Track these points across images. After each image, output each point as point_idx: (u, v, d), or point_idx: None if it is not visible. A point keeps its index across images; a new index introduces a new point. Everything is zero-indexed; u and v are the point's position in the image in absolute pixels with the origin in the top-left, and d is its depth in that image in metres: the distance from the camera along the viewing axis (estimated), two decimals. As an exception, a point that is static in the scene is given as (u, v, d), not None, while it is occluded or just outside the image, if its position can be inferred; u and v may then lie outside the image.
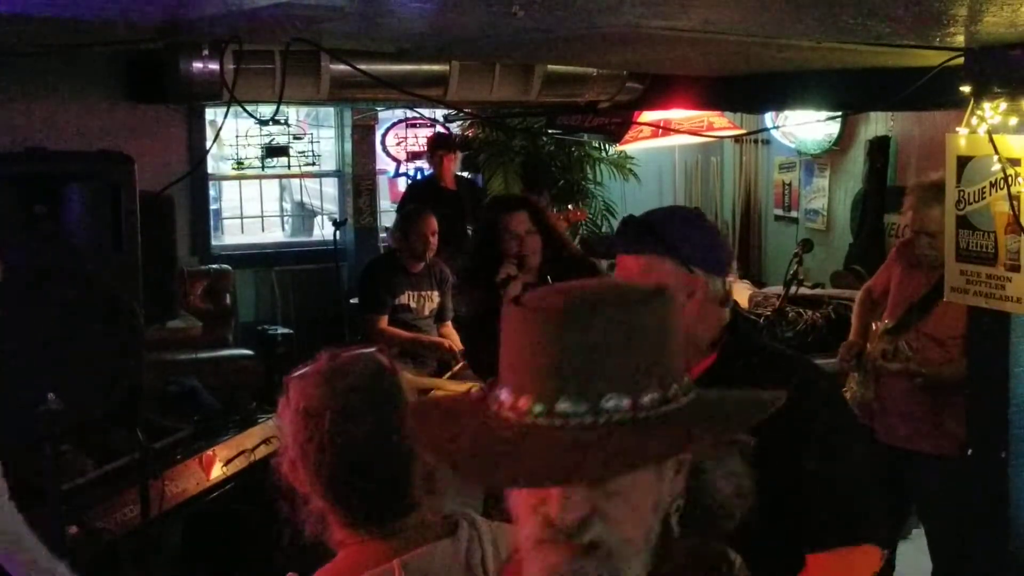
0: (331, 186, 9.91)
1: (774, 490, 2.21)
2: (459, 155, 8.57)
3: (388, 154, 9.61)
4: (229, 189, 10.44)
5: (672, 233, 2.36)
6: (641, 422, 1.25)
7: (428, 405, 1.42)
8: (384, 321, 6.30)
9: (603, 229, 9.65)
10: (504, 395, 1.29)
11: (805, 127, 8.05)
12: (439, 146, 8.15)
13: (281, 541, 2.01)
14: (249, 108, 5.37)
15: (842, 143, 8.30)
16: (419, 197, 7.73)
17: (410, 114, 9.28)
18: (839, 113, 6.90)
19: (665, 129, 7.87)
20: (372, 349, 1.99)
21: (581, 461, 1.22)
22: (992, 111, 3.72)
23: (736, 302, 7.45)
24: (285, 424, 1.93)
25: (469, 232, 7.65)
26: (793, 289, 5.73)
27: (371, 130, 9.38)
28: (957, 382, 4.36)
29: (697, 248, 2.36)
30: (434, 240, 6.37)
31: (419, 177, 9.10)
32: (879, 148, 7.77)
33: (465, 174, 9.53)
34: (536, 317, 1.28)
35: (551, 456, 1.22)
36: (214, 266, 8.33)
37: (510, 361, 1.30)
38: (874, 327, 4.76)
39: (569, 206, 8.60)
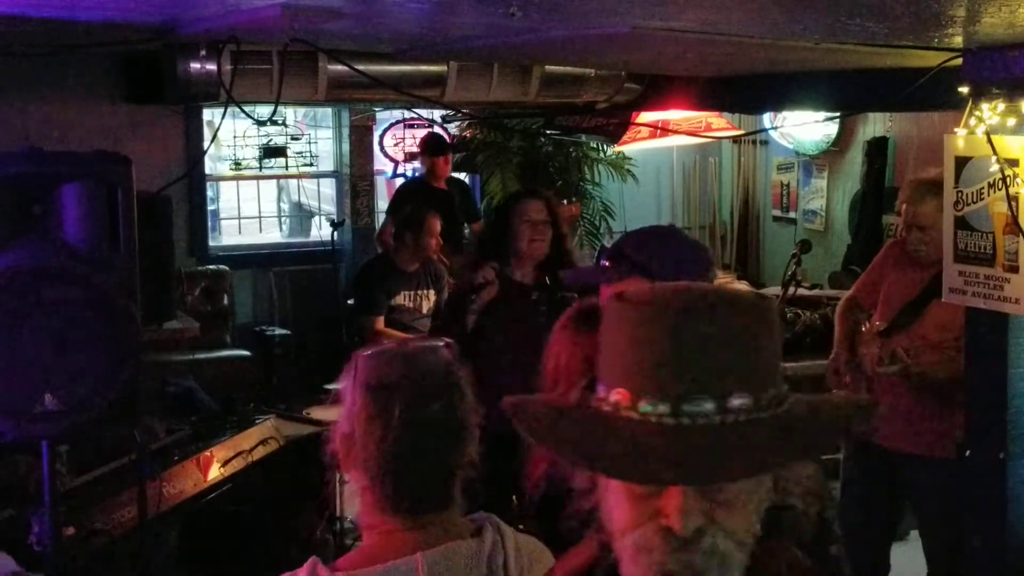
0: (329, 187, 9.90)
1: None
2: (452, 156, 8.57)
3: (386, 155, 9.60)
4: (227, 190, 10.43)
5: (640, 253, 2.43)
6: (765, 421, 1.25)
7: (529, 404, 1.39)
8: (380, 322, 6.31)
9: (601, 229, 9.65)
10: (616, 395, 1.27)
11: (803, 128, 8.05)
12: (432, 147, 8.15)
13: (284, 538, 2.03)
14: (247, 108, 5.37)
15: (840, 144, 8.32)
16: (411, 198, 7.73)
17: (408, 115, 9.27)
18: (837, 114, 6.90)
19: (663, 130, 7.87)
20: (441, 342, 2.01)
21: (746, 458, 1.22)
22: (990, 112, 3.72)
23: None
24: (347, 398, 1.94)
25: (466, 231, 7.66)
26: (791, 290, 5.73)
27: (369, 131, 9.37)
28: (951, 383, 4.37)
29: (666, 264, 2.39)
30: (436, 241, 6.40)
31: (412, 178, 9.10)
32: (877, 149, 7.78)
33: (462, 175, 9.52)
34: (655, 313, 1.26)
35: (713, 454, 1.21)
36: (211, 267, 8.32)
37: (624, 360, 1.27)
38: (864, 328, 4.74)
39: (564, 201, 8.60)
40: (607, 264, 2.48)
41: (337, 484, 4.50)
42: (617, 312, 1.30)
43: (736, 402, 1.24)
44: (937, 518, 4.56)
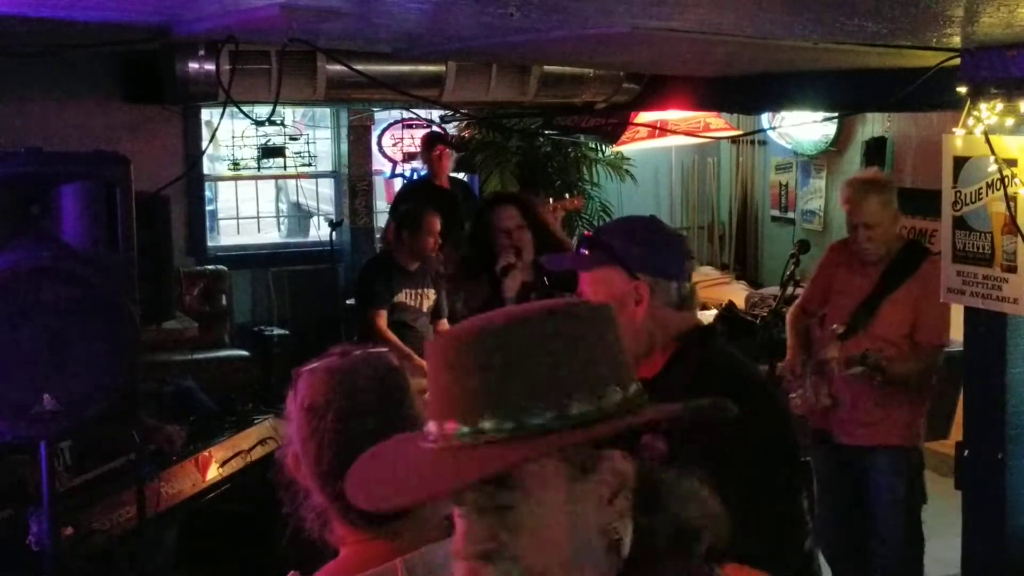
0: (327, 187, 9.89)
1: None
2: (454, 154, 8.55)
3: (384, 155, 9.60)
4: (225, 190, 10.44)
5: (615, 243, 2.45)
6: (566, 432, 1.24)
7: (364, 458, 1.41)
8: (383, 318, 6.29)
9: (599, 230, 9.64)
10: (431, 426, 1.29)
11: (802, 128, 8.05)
12: (434, 144, 8.14)
13: (282, 540, 2.01)
14: (245, 108, 5.36)
15: (839, 144, 8.31)
16: (414, 196, 7.71)
17: (406, 115, 9.26)
18: (836, 114, 6.90)
19: (662, 130, 7.87)
20: (383, 350, 1.99)
21: (449, 470, 1.23)
22: (988, 112, 3.72)
23: (733, 304, 7.45)
24: (291, 417, 1.94)
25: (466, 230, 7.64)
26: (790, 290, 5.73)
27: (367, 131, 9.37)
28: (912, 379, 4.45)
29: (639, 254, 2.42)
30: (435, 240, 6.38)
31: (417, 177, 9.08)
32: (876, 149, 7.78)
33: (461, 175, 9.52)
34: (451, 344, 1.29)
35: (427, 468, 1.24)
36: (210, 267, 8.32)
37: (434, 391, 1.30)
38: (819, 334, 4.72)
39: (566, 195, 8.59)
40: (585, 252, 2.51)
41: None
42: (430, 349, 1.32)
43: (535, 420, 1.23)
44: (891, 505, 4.57)
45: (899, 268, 4.54)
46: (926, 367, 4.52)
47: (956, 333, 4.66)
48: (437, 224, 6.39)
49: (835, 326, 4.58)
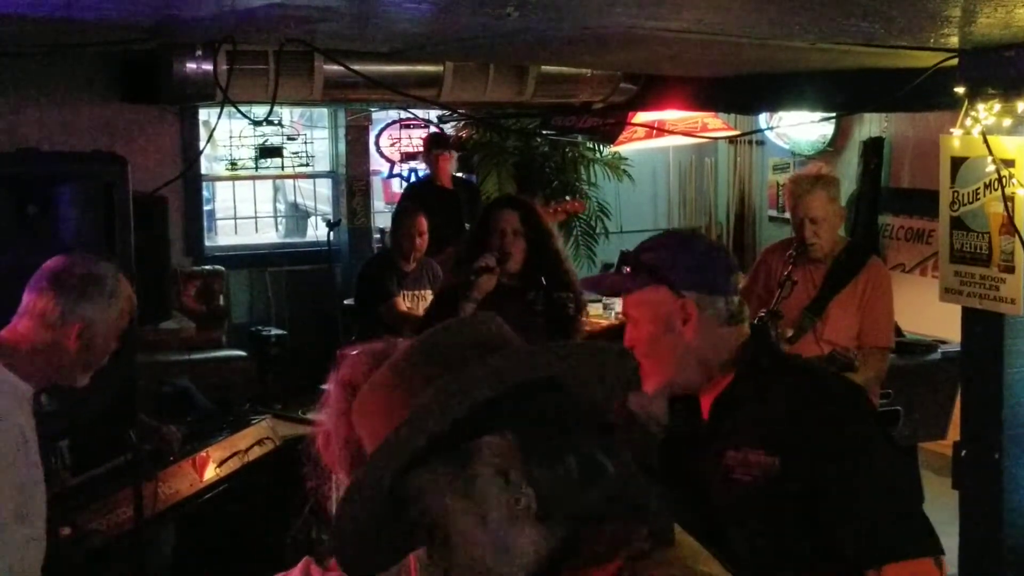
0: (325, 187, 9.88)
1: (796, 506, 2.18)
2: (455, 154, 8.54)
3: (382, 155, 9.59)
4: (223, 190, 10.42)
5: (658, 260, 2.38)
6: None
7: None
8: (401, 304, 6.27)
9: (597, 229, 9.65)
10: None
11: (799, 128, 8.05)
12: (435, 146, 8.12)
13: (280, 539, 2.03)
14: (243, 108, 5.36)
15: (836, 144, 8.31)
16: (416, 197, 7.71)
17: (404, 115, 9.25)
18: (833, 114, 6.91)
19: (659, 130, 7.86)
20: None
21: None
22: (986, 112, 3.73)
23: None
24: (328, 395, 1.95)
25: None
26: (787, 290, 5.73)
27: (365, 131, 9.36)
28: (869, 388, 4.27)
29: (684, 271, 2.36)
30: (421, 240, 6.35)
31: (415, 178, 9.08)
32: (873, 149, 7.78)
33: (459, 174, 9.52)
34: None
35: None
36: (207, 267, 8.29)
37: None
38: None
39: (567, 197, 8.56)
40: (626, 271, 2.44)
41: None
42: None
43: None
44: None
45: (844, 268, 4.41)
46: (878, 373, 4.37)
47: (954, 333, 4.65)
48: (423, 224, 6.35)
49: (783, 330, 4.42)
